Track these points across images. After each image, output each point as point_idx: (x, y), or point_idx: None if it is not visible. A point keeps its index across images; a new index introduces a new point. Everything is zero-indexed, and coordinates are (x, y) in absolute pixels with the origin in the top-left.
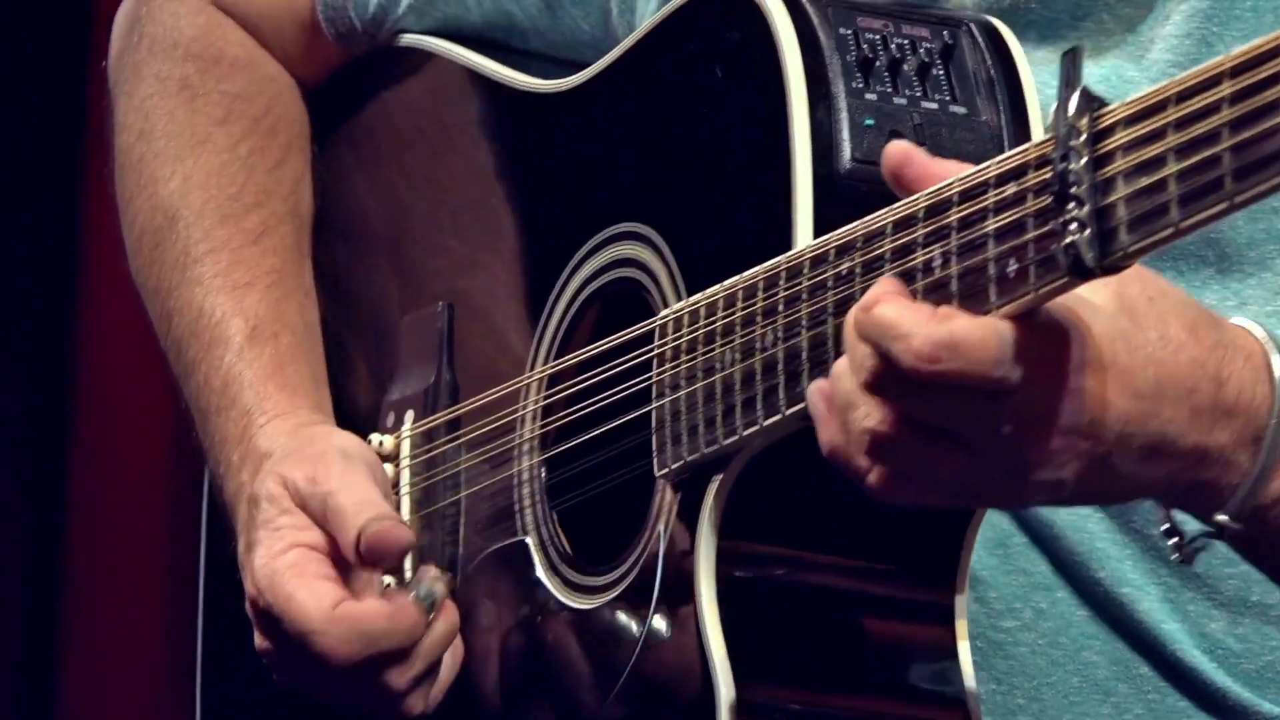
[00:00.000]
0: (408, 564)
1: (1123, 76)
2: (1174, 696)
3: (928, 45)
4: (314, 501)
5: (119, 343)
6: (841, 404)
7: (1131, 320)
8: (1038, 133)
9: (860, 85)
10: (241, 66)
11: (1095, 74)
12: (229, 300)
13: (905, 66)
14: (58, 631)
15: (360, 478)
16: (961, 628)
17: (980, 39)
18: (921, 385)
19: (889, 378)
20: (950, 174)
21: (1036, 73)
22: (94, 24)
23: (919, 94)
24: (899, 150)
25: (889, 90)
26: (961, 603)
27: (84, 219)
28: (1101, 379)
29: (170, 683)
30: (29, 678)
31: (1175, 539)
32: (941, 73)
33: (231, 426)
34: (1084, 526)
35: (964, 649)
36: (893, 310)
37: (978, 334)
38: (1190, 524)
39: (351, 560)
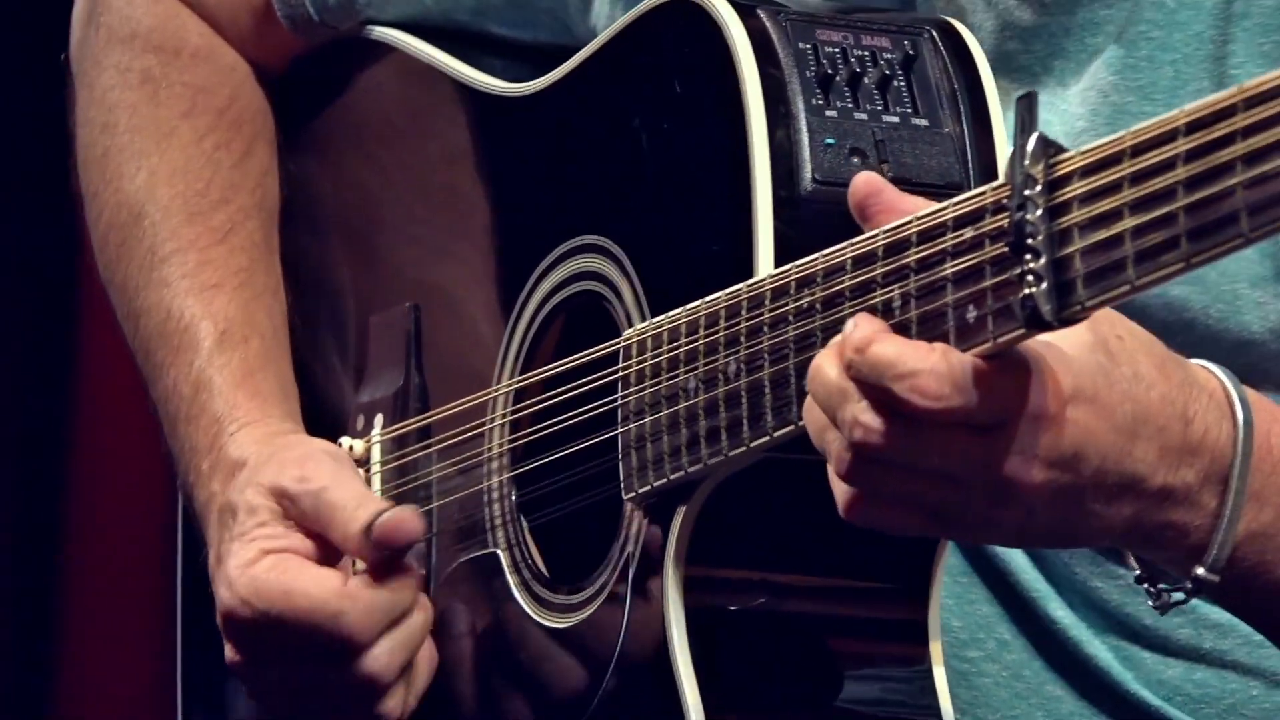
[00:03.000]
0: None
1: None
2: None
3: (888, 56)
4: (305, 500)
5: (118, 344)
6: (820, 428)
7: (1108, 356)
8: (1001, 142)
9: (820, 102)
10: (203, 58)
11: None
12: (197, 303)
13: (866, 80)
14: (53, 631)
15: (352, 475)
16: (936, 648)
17: (942, 45)
18: (919, 422)
19: (887, 416)
20: (916, 209)
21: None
22: None
23: (880, 108)
24: (865, 182)
25: (850, 106)
26: (935, 620)
27: (84, 222)
28: (1086, 411)
29: (165, 683)
30: (24, 678)
31: (1150, 588)
32: (903, 84)
33: (201, 435)
34: (1035, 575)
35: (939, 672)
36: (892, 348)
37: (976, 369)
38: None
39: (351, 551)
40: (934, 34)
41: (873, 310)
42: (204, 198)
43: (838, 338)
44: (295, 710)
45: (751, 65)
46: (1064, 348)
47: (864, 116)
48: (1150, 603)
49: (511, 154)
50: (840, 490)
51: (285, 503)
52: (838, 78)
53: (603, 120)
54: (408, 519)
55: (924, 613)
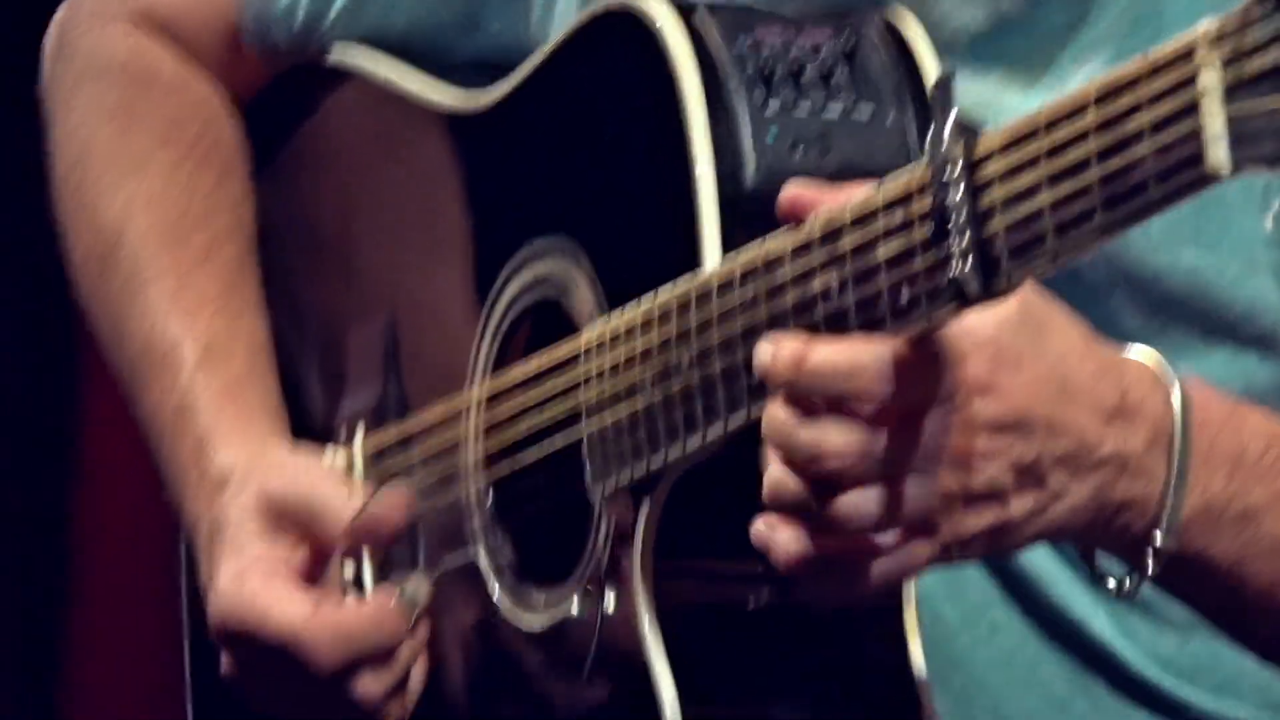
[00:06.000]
0: (367, 575)
1: None
2: (1133, 709)
3: (830, 46)
4: (294, 500)
5: None
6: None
7: (1035, 332)
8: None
9: (761, 100)
10: (175, 89)
11: None
12: (178, 325)
13: (807, 74)
14: (60, 636)
15: (338, 475)
16: (910, 618)
17: (885, 35)
18: (873, 421)
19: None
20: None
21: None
22: None
23: (822, 102)
24: (789, 197)
25: (791, 101)
26: (910, 599)
27: None
28: (1017, 379)
29: (173, 689)
30: (31, 682)
31: (1106, 583)
32: (845, 76)
33: (186, 454)
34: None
35: (915, 644)
36: (828, 351)
37: (912, 351)
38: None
39: (344, 543)
40: (877, 24)
41: (813, 298)
42: (181, 224)
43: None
44: (295, 715)
45: (690, 68)
46: (989, 323)
47: (804, 113)
48: (1113, 591)
49: (470, 165)
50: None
51: (274, 510)
52: (778, 74)
53: (554, 126)
54: (396, 499)
55: (897, 596)
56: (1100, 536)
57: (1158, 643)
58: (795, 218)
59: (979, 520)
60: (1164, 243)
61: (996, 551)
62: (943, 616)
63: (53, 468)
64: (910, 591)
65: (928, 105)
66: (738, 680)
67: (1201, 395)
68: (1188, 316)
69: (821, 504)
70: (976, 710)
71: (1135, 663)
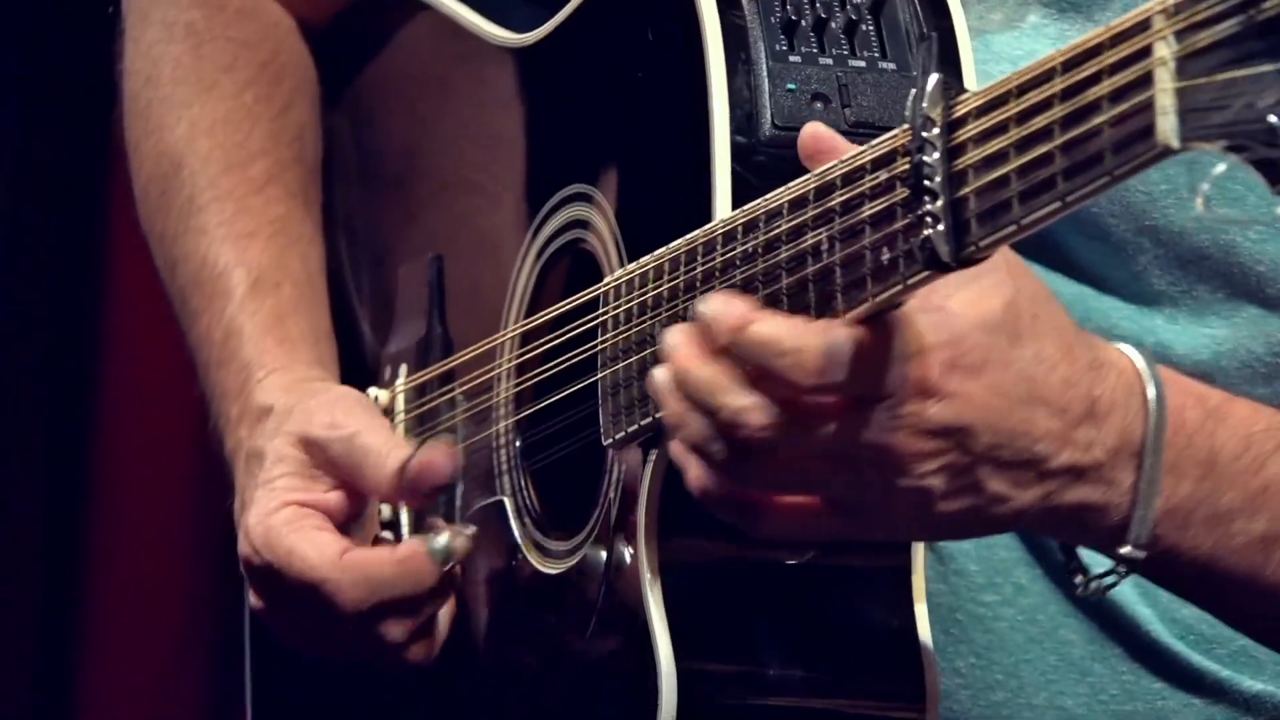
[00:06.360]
0: (404, 516)
1: None
2: (1149, 678)
3: (857, 0)
4: (336, 446)
5: (143, 341)
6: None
7: (1011, 336)
8: (971, 86)
9: (784, 48)
10: (247, 13)
11: None
12: (232, 250)
13: (833, 24)
14: (74, 633)
15: (381, 421)
16: (919, 583)
17: None
18: (801, 402)
19: (768, 398)
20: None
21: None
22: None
23: (846, 52)
24: (813, 137)
25: (814, 51)
26: (919, 562)
27: (109, 213)
28: (972, 385)
29: (185, 684)
30: (45, 680)
31: (1079, 575)
32: (871, 28)
33: (231, 380)
34: None
35: (920, 609)
36: (771, 326)
37: (859, 343)
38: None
39: (384, 496)
40: None
41: (804, 254)
42: (243, 148)
43: (689, 329)
44: (318, 651)
45: (713, 12)
46: (963, 322)
47: (829, 61)
48: (1078, 591)
49: (517, 104)
50: (731, 509)
51: (314, 450)
52: (803, 22)
53: (588, 69)
54: (440, 458)
55: (906, 556)
56: (1060, 535)
57: (1178, 610)
58: (811, 158)
59: (901, 514)
60: (1190, 200)
61: (936, 539)
62: (968, 573)
63: (67, 468)
64: (919, 558)
65: (955, 63)
66: (736, 636)
67: (1180, 399)
68: (1214, 274)
69: (728, 457)
70: (995, 669)
71: (1154, 629)
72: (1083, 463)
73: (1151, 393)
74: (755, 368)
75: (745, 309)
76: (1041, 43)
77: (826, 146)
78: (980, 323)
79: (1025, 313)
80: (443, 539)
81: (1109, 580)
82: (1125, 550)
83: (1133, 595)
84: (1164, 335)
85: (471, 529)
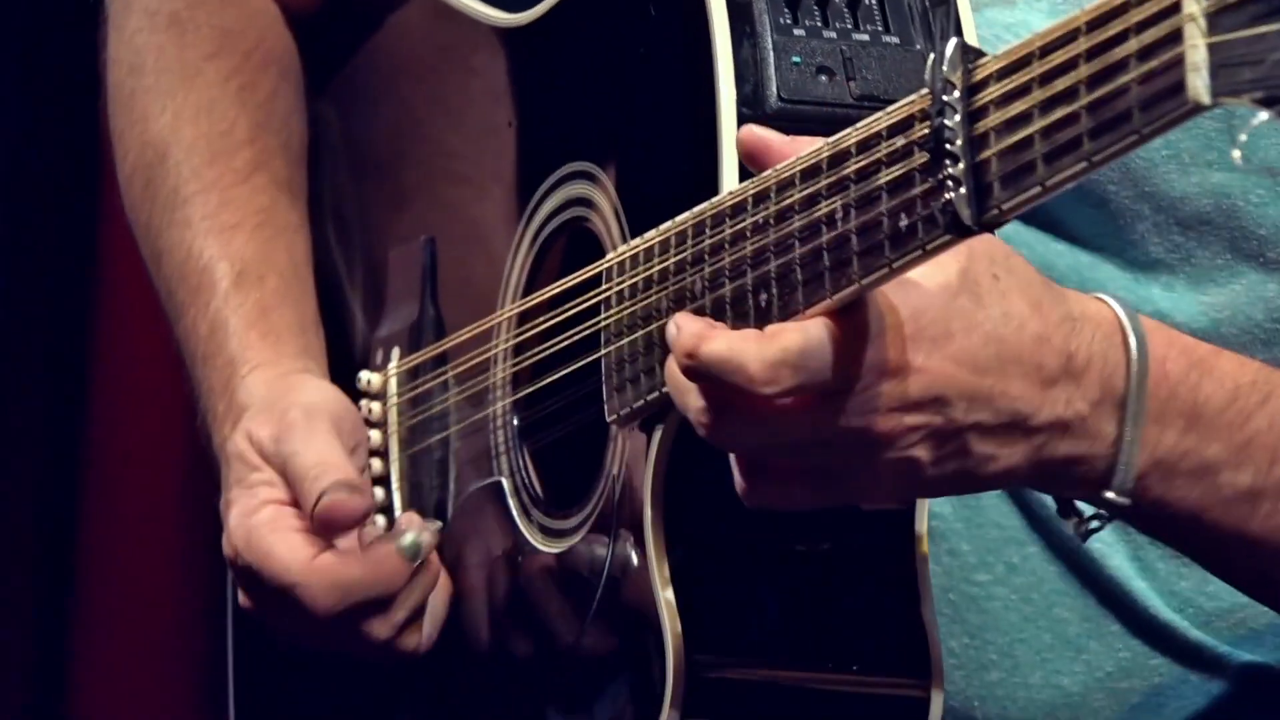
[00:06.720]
0: (397, 500)
1: None
2: (1146, 653)
3: None
4: (277, 461)
5: (134, 341)
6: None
7: (973, 299)
8: None
9: (788, 21)
10: (230, 0)
11: None
12: (216, 243)
13: None
14: (68, 633)
15: (320, 437)
16: (922, 545)
17: None
18: (761, 408)
19: (731, 408)
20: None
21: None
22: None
23: (849, 26)
24: (749, 138)
25: (818, 24)
26: (922, 524)
27: (102, 209)
28: (937, 356)
29: (184, 687)
30: (39, 681)
31: (1073, 519)
32: (873, 2)
33: (216, 376)
34: None
35: (924, 572)
36: (720, 345)
37: (806, 343)
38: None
39: (312, 527)
40: None
41: (818, 223)
42: (228, 138)
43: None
44: (312, 646)
45: None
46: (921, 293)
47: (833, 35)
48: (1071, 531)
49: (511, 84)
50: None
51: (266, 458)
52: None
53: (586, 46)
54: (343, 504)
55: (910, 530)
56: (1051, 487)
57: (1176, 583)
58: (752, 156)
59: (891, 481)
60: (1192, 164)
61: (934, 497)
62: (960, 553)
63: (61, 465)
64: (923, 521)
65: (956, 33)
66: (743, 613)
67: (1162, 349)
68: (1215, 238)
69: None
70: (990, 649)
71: (1152, 604)
72: (1065, 416)
73: (1133, 343)
74: (715, 384)
75: (696, 329)
76: (1034, 15)
77: (762, 146)
78: (939, 291)
79: (984, 274)
80: (410, 536)
81: (1094, 525)
82: (1109, 495)
83: (1130, 570)
84: (1161, 304)
85: (437, 524)
